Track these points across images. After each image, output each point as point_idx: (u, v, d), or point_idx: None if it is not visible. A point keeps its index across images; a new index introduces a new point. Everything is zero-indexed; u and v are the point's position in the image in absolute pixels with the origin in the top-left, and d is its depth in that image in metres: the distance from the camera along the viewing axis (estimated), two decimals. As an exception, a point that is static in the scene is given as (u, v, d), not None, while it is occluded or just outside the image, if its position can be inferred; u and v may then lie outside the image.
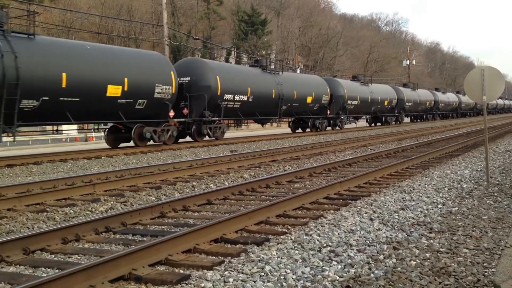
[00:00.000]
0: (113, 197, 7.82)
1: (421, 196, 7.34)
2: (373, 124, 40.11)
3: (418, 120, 50.28)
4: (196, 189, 8.66)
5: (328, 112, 30.18)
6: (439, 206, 6.69)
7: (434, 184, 8.44)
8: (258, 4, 61.95)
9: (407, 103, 42.17)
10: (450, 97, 57.00)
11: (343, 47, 73.90)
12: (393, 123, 41.06)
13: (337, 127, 31.70)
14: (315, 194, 7.21)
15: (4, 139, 27.70)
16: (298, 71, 51.16)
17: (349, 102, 32.09)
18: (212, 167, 11.26)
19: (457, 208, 6.48)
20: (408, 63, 68.33)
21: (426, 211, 6.33)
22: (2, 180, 10.40)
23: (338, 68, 68.23)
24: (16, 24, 22.86)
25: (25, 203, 7.24)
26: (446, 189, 8.03)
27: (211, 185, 9.07)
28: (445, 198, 7.26)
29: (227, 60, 54.18)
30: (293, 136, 24.67)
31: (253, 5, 58.64)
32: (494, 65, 10.58)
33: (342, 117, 32.05)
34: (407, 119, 48.46)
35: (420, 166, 11.03)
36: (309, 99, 27.73)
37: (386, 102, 38.07)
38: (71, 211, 6.87)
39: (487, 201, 6.93)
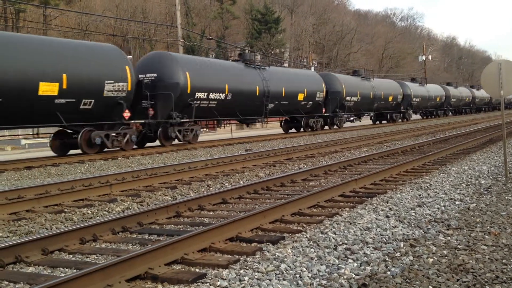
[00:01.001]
0: (130, 197, 7.89)
1: (438, 193, 7.26)
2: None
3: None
4: (211, 188, 8.70)
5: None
6: (457, 202, 6.61)
7: (451, 180, 8.34)
8: (272, 2, 61.91)
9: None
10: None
11: (357, 43, 73.42)
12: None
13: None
14: (330, 192, 7.18)
15: (23, 141, 28.20)
16: (312, 68, 50.94)
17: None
18: (227, 166, 11.29)
19: (475, 204, 6.39)
20: (424, 58, 67.57)
21: (443, 208, 6.26)
22: (21, 182, 10.57)
23: (353, 65, 67.79)
24: (33, 28, 23.22)
25: (44, 204, 7.35)
26: (464, 185, 7.93)
27: (226, 184, 9.09)
28: (463, 194, 7.17)
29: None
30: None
31: (267, 4, 58.61)
32: (512, 59, 10.39)
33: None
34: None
35: (437, 163, 10.91)
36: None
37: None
38: (89, 211, 6.96)
39: (506, 197, 6.82)
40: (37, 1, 40.23)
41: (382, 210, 6.14)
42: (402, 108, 38.86)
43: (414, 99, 40.47)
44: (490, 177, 8.70)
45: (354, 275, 3.86)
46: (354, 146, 16.48)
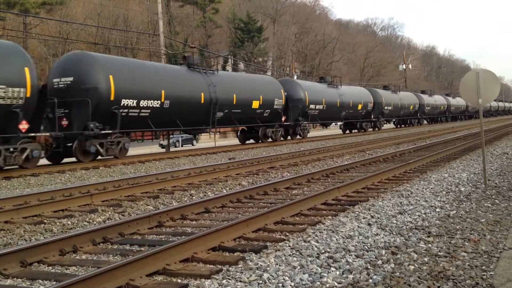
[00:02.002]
0: (111, 207, 7.80)
1: (419, 200, 7.34)
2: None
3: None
4: (194, 197, 8.65)
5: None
6: (437, 209, 6.69)
7: (432, 188, 8.44)
8: (254, 11, 62.19)
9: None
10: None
11: (339, 52, 74.07)
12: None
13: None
14: (313, 200, 7.20)
15: None
16: (295, 77, 51.21)
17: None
18: (210, 175, 11.25)
19: (455, 212, 6.48)
20: (404, 67, 68.56)
21: (424, 215, 6.33)
22: (0, 193, 10.37)
23: (335, 73, 68.38)
24: (12, 36, 22.93)
25: (23, 215, 7.22)
26: (444, 192, 8.03)
27: (209, 193, 9.05)
28: (443, 201, 7.26)
29: (224, 68, 54.08)
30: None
31: (249, 13, 58.84)
32: (490, 68, 10.63)
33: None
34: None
35: (417, 170, 11.03)
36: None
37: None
38: (69, 222, 6.85)
39: (485, 204, 6.93)
40: (17, 9, 39.76)
41: (364, 218, 6.18)
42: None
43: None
44: (470, 184, 8.83)
45: (336, 284, 3.86)
46: (337, 154, 16.59)
